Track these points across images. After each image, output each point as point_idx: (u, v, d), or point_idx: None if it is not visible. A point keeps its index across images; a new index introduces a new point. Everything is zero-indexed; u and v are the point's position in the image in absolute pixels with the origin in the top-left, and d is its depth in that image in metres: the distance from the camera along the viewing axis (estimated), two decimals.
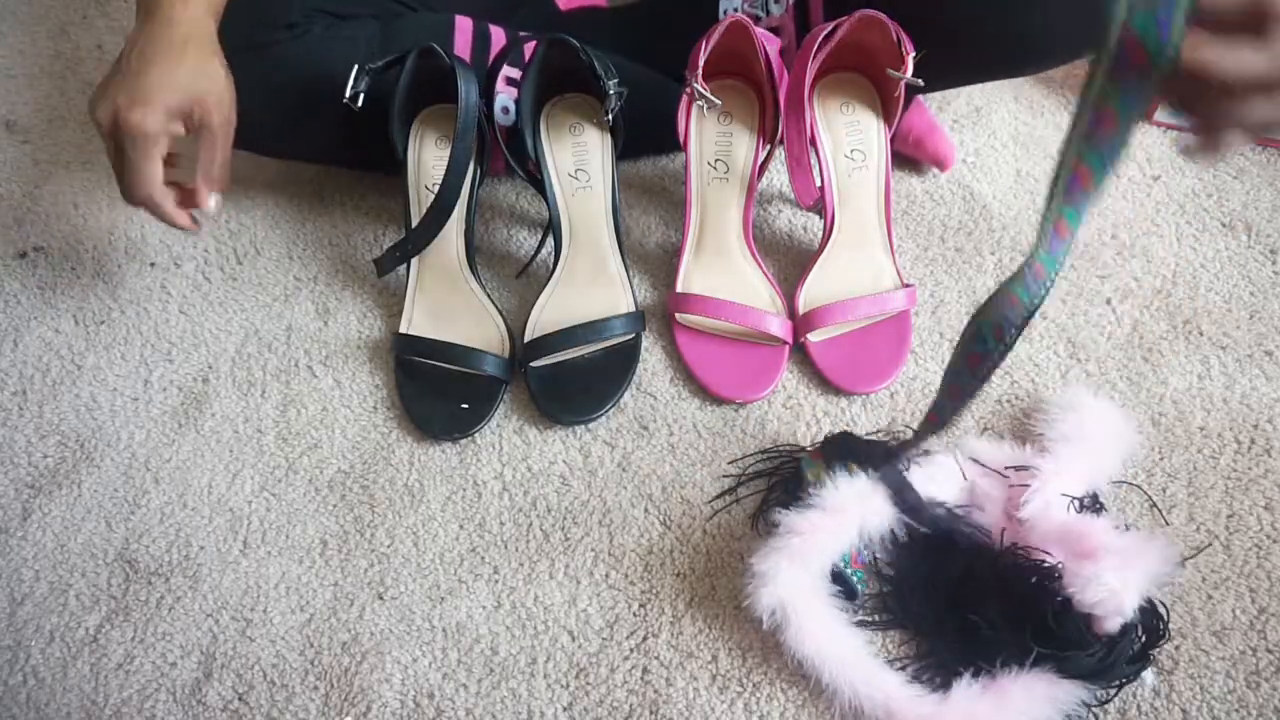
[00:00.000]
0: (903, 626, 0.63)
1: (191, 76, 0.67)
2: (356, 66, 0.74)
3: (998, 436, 0.70)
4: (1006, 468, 0.66)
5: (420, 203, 0.81)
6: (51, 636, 0.65)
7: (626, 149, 0.83)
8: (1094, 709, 0.59)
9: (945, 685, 0.59)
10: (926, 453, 0.66)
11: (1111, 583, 0.57)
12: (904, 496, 0.63)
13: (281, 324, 0.82)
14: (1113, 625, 0.58)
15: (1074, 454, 0.66)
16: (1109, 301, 0.79)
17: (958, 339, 0.54)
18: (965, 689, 0.58)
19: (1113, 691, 0.59)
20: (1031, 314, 0.50)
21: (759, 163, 0.82)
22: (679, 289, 0.79)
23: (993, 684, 0.58)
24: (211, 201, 0.72)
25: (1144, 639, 0.60)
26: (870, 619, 0.63)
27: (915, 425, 0.72)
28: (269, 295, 0.84)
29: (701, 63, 0.77)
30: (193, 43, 0.68)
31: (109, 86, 0.67)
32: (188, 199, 0.72)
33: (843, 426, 0.73)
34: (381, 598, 0.66)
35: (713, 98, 0.78)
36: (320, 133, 0.81)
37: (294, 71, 0.76)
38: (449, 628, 0.65)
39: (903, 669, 0.61)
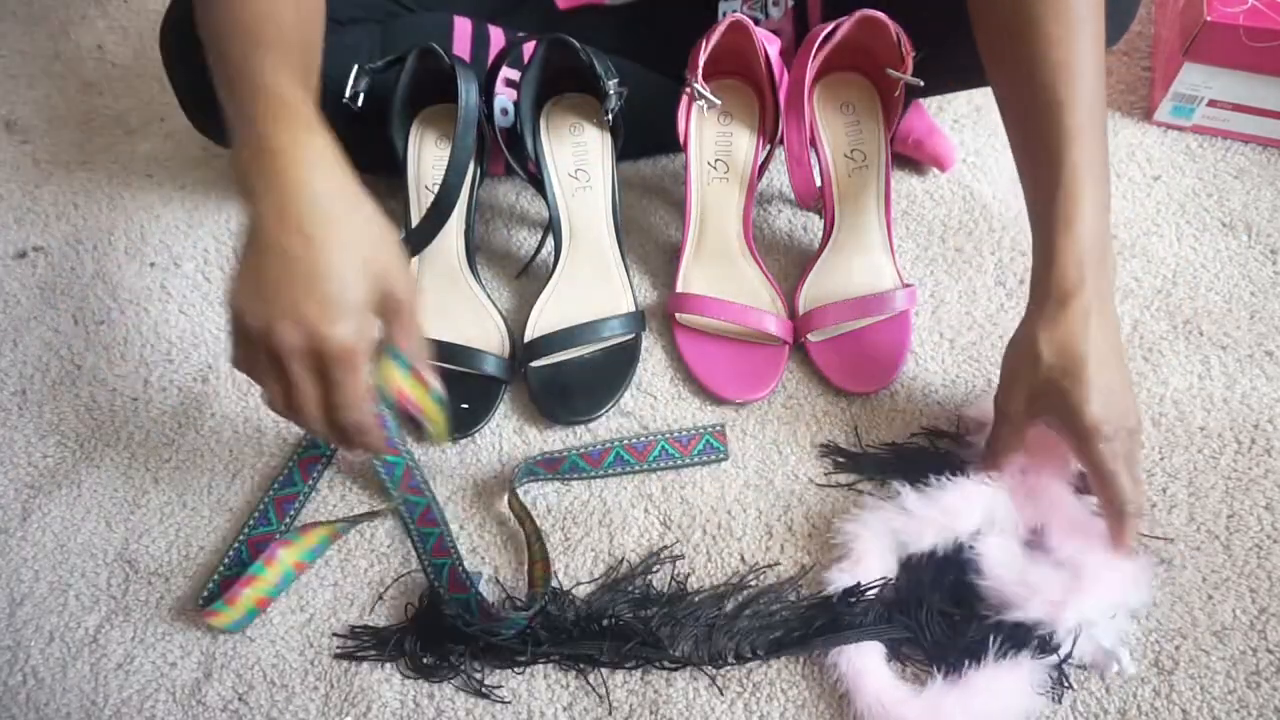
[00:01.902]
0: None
1: (371, 248, 0.53)
2: (356, 66, 0.74)
3: None
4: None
5: (420, 203, 0.81)
6: (51, 636, 0.65)
7: (626, 149, 0.83)
8: (1072, 691, 0.59)
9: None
10: (957, 471, 0.65)
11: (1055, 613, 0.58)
12: None
13: None
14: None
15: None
16: None
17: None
18: (935, 685, 0.59)
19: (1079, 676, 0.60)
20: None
21: (759, 163, 0.82)
22: (679, 289, 0.79)
23: (959, 679, 0.59)
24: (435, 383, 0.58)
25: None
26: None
27: (922, 434, 0.72)
28: None
29: (701, 62, 0.77)
30: (341, 194, 0.53)
31: (271, 288, 0.51)
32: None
33: (842, 426, 0.73)
34: (381, 597, 0.66)
35: (713, 97, 0.78)
36: None
37: None
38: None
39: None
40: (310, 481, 0.71)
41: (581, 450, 0.71)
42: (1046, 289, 0.59)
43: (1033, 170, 0.62)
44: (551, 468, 0.71)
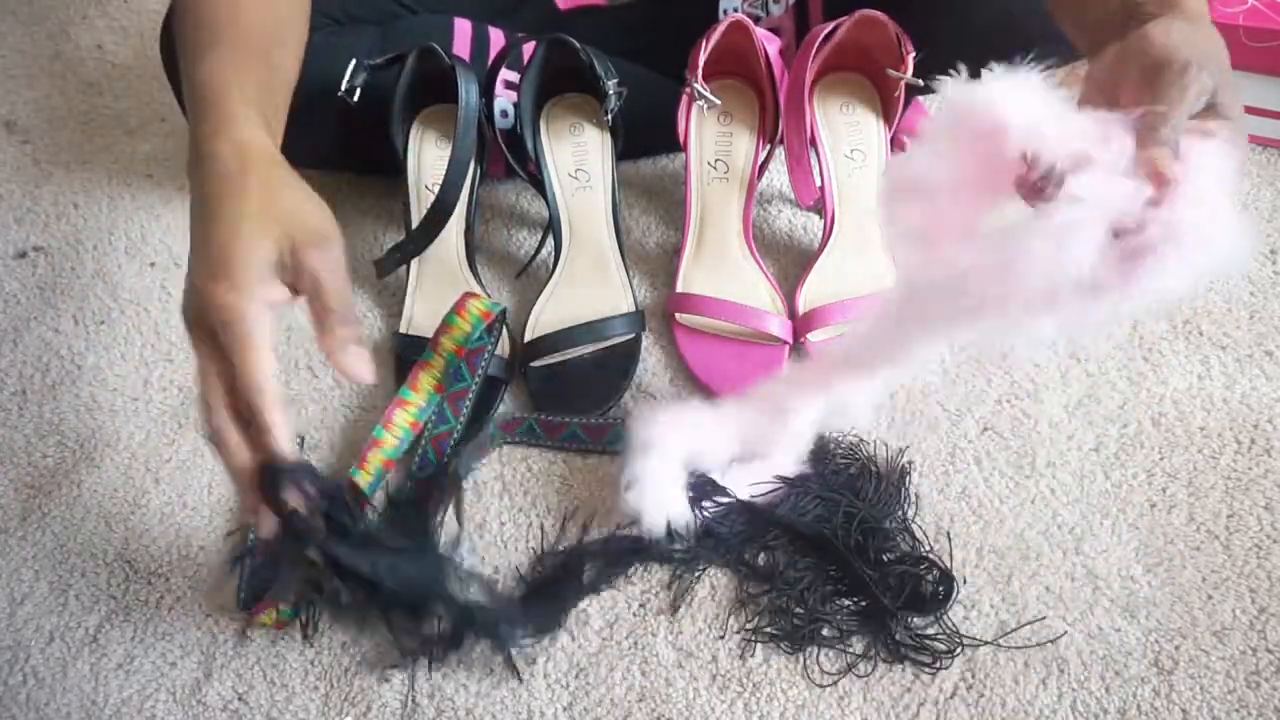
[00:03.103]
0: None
1: (266, 215, 0.50)
2: (354, 60, 0.73)
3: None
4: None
5: (420, 203, 0.81)
6: (51, 636, 0.65)
7: (626, 149, 0.83)
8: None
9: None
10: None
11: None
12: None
13: (281, 324, 0.82)
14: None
15: None
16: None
17: None
18: None
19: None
20: None
21: (759, 163, 0.82)
22: (679, 289, 0.79)
23: None
24: (363, 367, 0.53)
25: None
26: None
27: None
28: None
29: (701, 62, 0.77)
30: (254, 170, 0.52)
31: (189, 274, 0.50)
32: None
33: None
34: None
35: (713, 97, 0.78)
36: (319, 139, 0.80)
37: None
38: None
39: None
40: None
41: (582, 421, 0.72)
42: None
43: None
44: (553, 432, 0.72)
